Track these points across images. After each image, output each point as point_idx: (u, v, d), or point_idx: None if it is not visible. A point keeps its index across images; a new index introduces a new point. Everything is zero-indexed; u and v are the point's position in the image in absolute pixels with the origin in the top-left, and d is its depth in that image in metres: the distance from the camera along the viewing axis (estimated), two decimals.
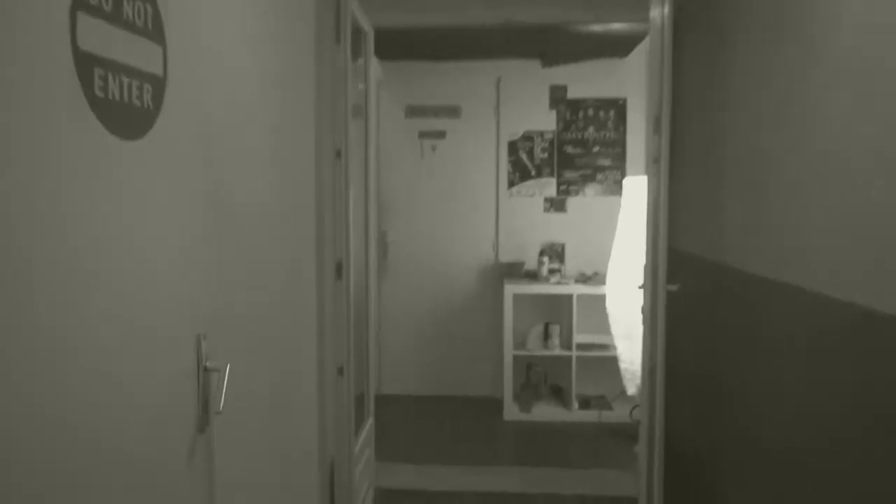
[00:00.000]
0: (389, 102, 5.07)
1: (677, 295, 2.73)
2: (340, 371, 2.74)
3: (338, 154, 2.68)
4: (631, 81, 4.91)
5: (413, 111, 5.07)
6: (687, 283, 2.72)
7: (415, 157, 5.08)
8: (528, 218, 5.01)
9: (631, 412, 4.44)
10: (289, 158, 2.24)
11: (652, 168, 2.69)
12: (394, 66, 5.00)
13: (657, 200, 2.68)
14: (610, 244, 4.86)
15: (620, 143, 4.95)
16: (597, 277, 4.68)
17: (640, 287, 2.86)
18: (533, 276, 4.78)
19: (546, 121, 4.99)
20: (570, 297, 4.58)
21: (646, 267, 2.77)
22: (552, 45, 4.60)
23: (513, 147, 5.01)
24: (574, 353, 4.60)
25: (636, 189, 3.90)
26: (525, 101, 4.98)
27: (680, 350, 2.78)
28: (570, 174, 4.98)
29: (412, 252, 5.10)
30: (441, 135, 5.06)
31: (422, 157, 5.07)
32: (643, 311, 2.80)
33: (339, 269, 2.71)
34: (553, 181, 5.00)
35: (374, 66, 5.06)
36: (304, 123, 2.43)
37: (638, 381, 3.98)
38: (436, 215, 5.09)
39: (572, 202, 4.99)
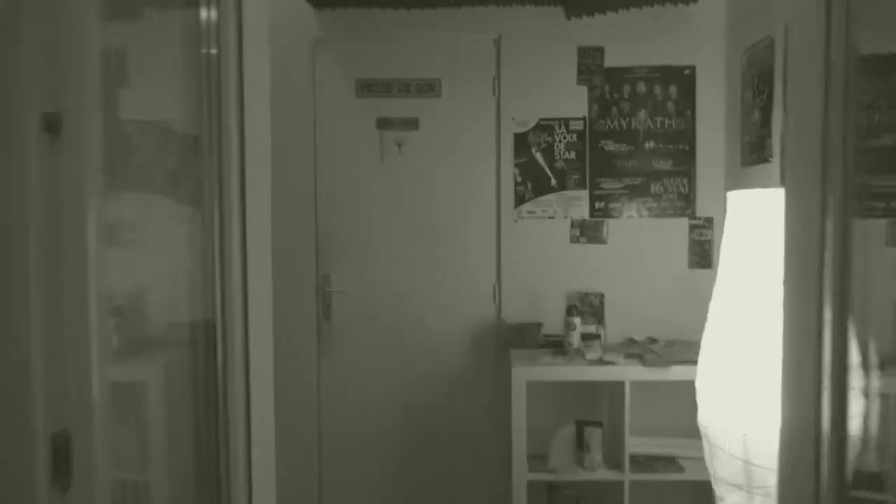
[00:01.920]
0: (331, 73, 3.29)
1: None
2: None
3: (50, 128, 0.91)
4: (703, 39, 3.19)
5: (368, 87, 3.29)
6: None
7: (371, 160, 3.30)
8: (547, 253, 3.24)
9: None
10: None
11: None
12: (337, 17, 3.24)
13: None
14: (673, 294, 3.11)
15: (687, 136, 3.21)
16: (656, 348, 2.91)
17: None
18: (557, 347, 3.01)
19: (573, 102, 3.24)
20: (620, 384, 2.80)
21: None
22: None
23: (522, 143, 3.25)
24: (627, 475, 2.82)
25: (751, 208, 2.11)
26: (540, 70, 3.23)
27: None
28: (610, 184, 3.23)
29: (368, 309, 3.31)
30: (411, 124, 3.28)
31: (382, 161, 3.29)
32: None
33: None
34: (584, 195, 3.24)
35: (307, 17, 3.30)
36: None
37: None
38: (404, 251, 3.30)
39: (614, 228, 3.23)
